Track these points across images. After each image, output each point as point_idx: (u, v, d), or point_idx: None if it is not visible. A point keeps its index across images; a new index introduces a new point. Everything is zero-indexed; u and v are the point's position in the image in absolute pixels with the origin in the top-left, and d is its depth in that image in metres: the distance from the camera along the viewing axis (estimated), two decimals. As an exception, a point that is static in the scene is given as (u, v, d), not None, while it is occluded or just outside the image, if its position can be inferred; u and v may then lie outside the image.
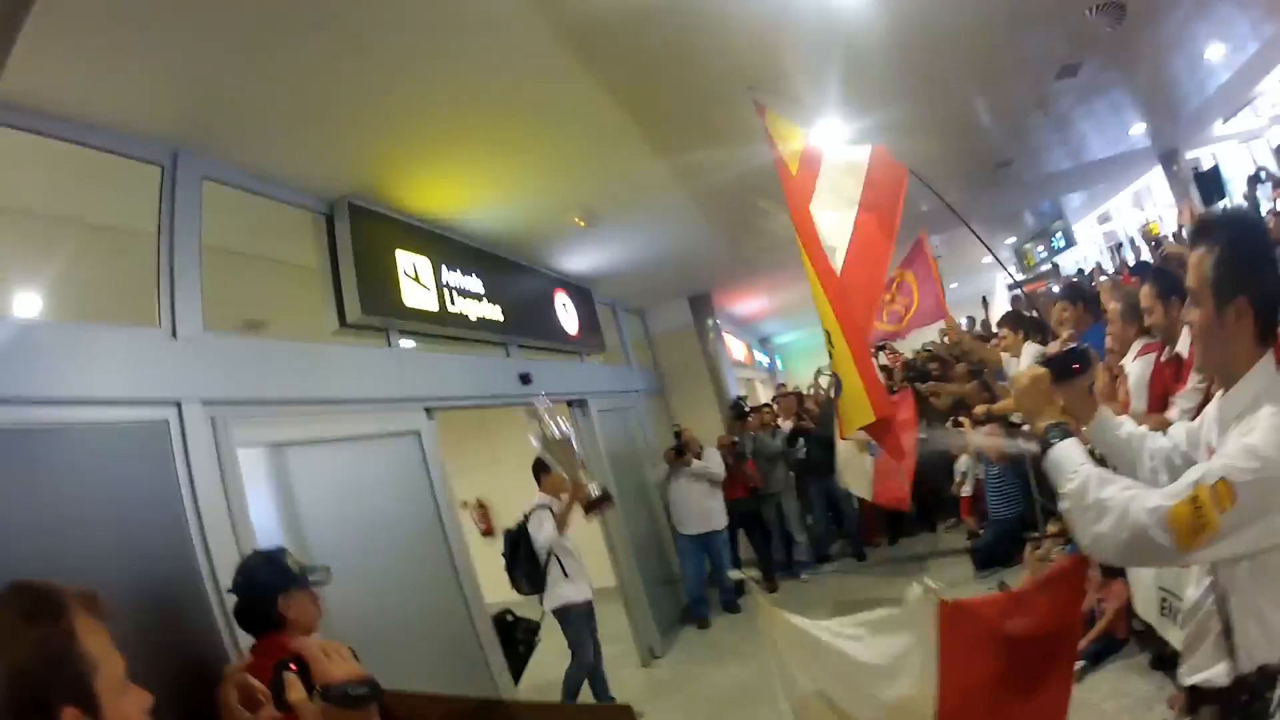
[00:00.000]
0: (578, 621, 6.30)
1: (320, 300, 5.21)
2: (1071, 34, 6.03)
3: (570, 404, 8.47)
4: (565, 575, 6.26)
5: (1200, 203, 11.63)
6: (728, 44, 4.79)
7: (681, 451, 8.91)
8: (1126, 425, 2.26)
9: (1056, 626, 2.64)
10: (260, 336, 4.68)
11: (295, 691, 1.49)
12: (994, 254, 7.58)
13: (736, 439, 9.90)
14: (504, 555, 6.38)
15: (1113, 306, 4.89)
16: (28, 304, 3.85)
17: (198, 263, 4.03)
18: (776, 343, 21.38)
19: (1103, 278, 10.31)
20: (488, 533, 11.42)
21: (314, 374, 4.66)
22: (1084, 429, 2.24)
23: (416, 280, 5.99)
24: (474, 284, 6.92)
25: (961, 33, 5.42)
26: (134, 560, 3.21)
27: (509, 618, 5.63)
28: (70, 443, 3.14)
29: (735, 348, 14.53)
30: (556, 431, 5.21)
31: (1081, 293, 6.28)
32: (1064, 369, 2.24)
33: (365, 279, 5.34)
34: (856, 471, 7.37)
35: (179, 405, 3.62)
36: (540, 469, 6.47)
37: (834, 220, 5.08)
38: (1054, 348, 6.12)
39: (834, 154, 5.26)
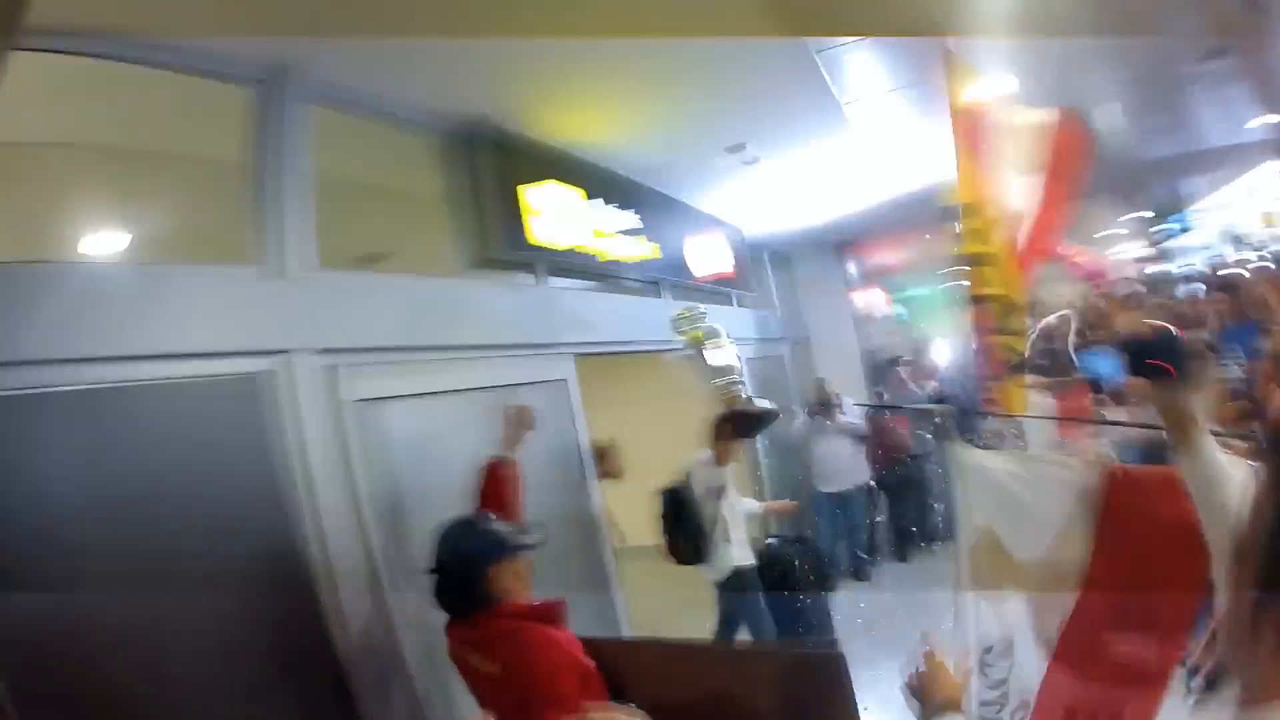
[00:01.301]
0: (752, 590, 5.27)
1: (452, 235, 4.59)
2: (1222, 16, 5.61)
3: None
4: (730, 539, 5.17)
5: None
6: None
7: (824, 405, 8.08)
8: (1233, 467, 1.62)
9: None
10: (390, 270, 4.06)
11: None
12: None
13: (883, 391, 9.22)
14: (662, 517, 5.44)
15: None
16: (110, 248, 3.34)
17: (308, 191, 3.46)
18: (909, 294, 20.30)
19: (1252, 267, 8.99)
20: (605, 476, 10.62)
21: (449, 316, 4.11)
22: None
23: (564, 214, 5.33)
24: (628, 219, 6.24)
25: None
26: (230, 532, 2.78)
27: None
28: (160, 402, 2.71)
29: (877, 298, 13.52)
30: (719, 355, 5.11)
31: (1234, 284, 5.44)
32: (1143, 363, 1.71)
33: (510, 211, 4.75)
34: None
35: (288, 354, 3.11)
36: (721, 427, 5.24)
37: (1019, 184, 4.81)
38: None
39: (1021, 115, 4.97)
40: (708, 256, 8.00)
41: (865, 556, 8.15)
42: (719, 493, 5.10)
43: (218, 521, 2.72)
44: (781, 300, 10.60)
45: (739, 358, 5.38)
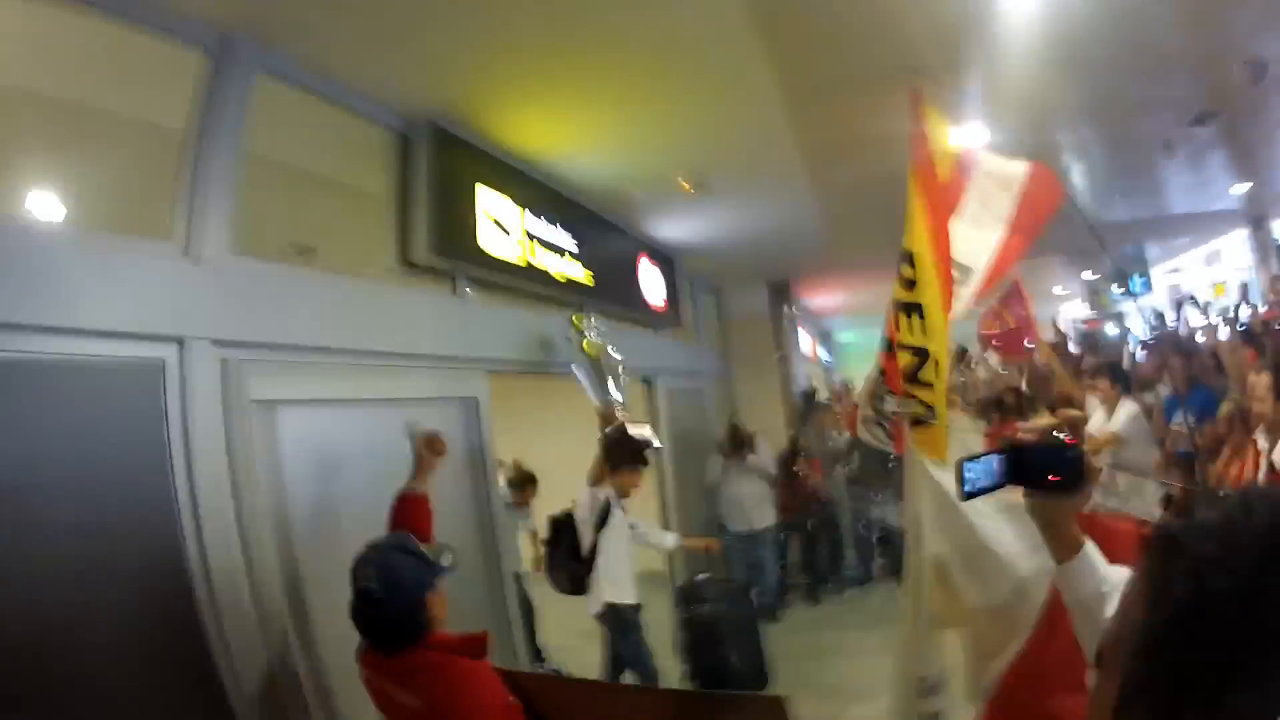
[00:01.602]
0: (630, 628, 5.10)
1: (382, 234, 4.41)
2: (1215, 82, 5.71)
3: (645, 380, 7.75)
4: (609, 573, 5.01)
5: (1280, 271, 11.50)
6: (901, 24, 4.16)
7: (737, 445, 8.19)
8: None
9: None
10: (310, 266, 3.79)
11: None
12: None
13: (799, 436, 9.29)
14: (544, 544, 5.41)
15: (1261, 380, 4.25)
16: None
17: (231, 170, 3.23)
18: (838, 340, 20.67)
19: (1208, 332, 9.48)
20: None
21: (365, 320, 3.88)
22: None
23: (498, 224, 5.18)
24: (562, 238, 6.13)
25: (1121, 52, 4.95)
26: (107, 524, 2.55)
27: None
28: (48, 379, 2.49)
29: (804, 340, 13.85)
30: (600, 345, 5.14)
31: (1190, 349, 5.85)
32: (1032, 471, 1.56)
33: (440, 214, 4.55)
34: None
35: (180, 343, 2.85)
36: (613, 453, 5.12)
37: (978, 239, 4.56)
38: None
39: (990, 164, 4.65)
40: (641, 285, 7.95)
41: (774, 596, 8.15)
42: (600, 523, 4.96)
43: (98, 515, 2.50)
44: (709, 335, 10.59)
45: (622, 381, 5.36)
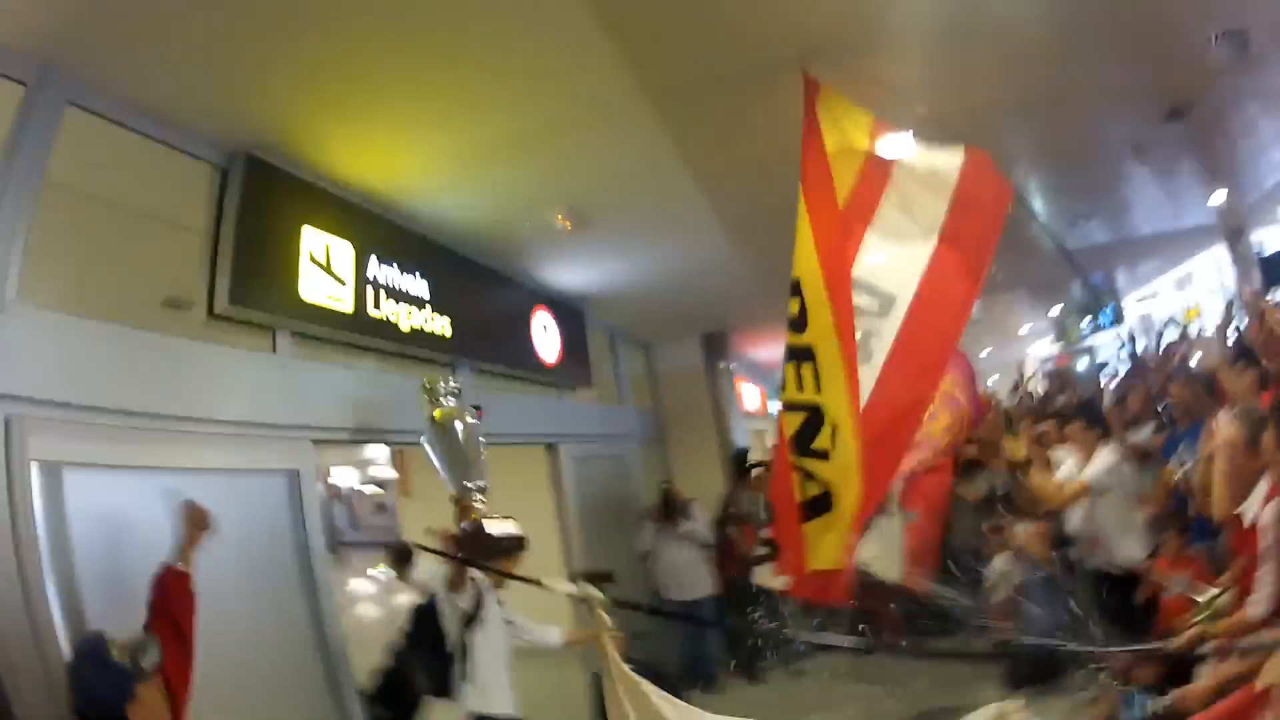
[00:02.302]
0: None
1: (195, 282, 5.22)
2: (1190, 67, 6.24)
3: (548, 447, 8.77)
4: (479, 679, 5.44)
5: (1263, 287, 12.67)
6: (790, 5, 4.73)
7: (670, 511, 9.75)
8: None
9: None
10: (133, 320, 4.63)
11: None
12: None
13: (730, 501, 10.90)
14: (403, 638, 6.03)
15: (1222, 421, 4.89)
16: None
17: (27, 207, 4.06)
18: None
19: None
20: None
21: (169, 379, 4.69)
22: None
23: (327, 269, 6.00)
24: (414, 285, 7.01)
25: (1072, 36, 5.45)
26: None
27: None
28: None
29: (750, 395, 15.87)
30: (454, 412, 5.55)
31: (1198, 377, 6.72)
32: None
33: (249, 259, 5.31)
34: (886, 541, 7.59)
35: None
36: (459, 547, 5.61)
37: (900, 256, 4.92)
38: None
39: (913, 160, 5.03)
40: (534, 339, 8.88)
41: (711, 666, 9.73)
42: (468, 621, 5.41)
43: None
44: (637, 393, 11.80)
45: (482, 460, 5.89)
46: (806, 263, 4.61)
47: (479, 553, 5.38)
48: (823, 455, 4.68)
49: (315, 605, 5.41)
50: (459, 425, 5.79)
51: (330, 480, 9.13)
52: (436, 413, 5.78)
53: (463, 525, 5.57)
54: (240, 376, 5.24)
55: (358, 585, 8.53)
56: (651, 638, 8.43)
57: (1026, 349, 22.23)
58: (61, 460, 4.01)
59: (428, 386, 5.87)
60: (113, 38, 4.17)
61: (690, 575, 9.70)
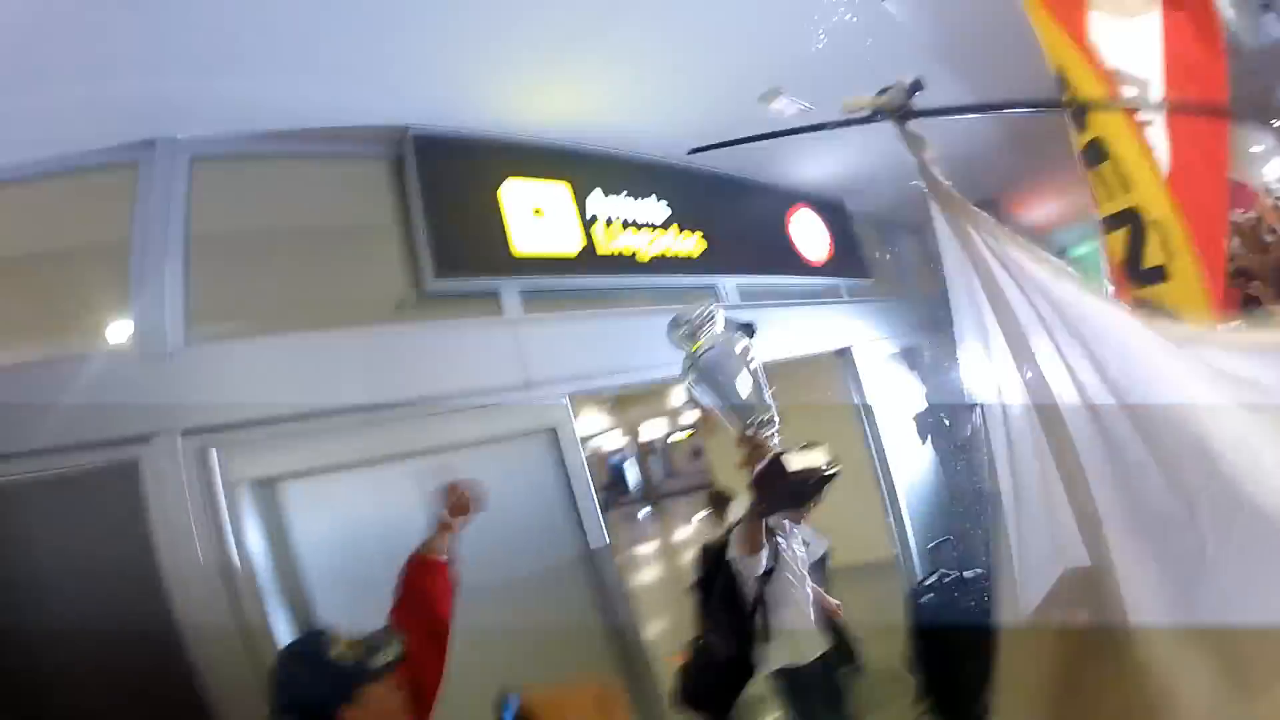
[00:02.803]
0: (805, 692, 5.00)
1: (390, 270, 5.17)
2: None
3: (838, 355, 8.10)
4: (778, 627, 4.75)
5: None
6: None
7: None
8: None
9: None
10: (335, 323, 4.65)
11: None
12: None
13: None
14: (694, 589, 5.09)
15: None
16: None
17: (179, 258, 4.21)
18: (1073, 255, 19.74)
19: None
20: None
21: (378, 369, 4.62)
22: None
23: (540, 217, 5.76)
24: (649, 210, 6.62)
25: None
26: (101, 633, 3.33)
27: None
28: (25, 502, 3.42)
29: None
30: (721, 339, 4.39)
31: None
32: None
33: (444, 231, 5.19)
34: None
35: (148, 440, 3.75)
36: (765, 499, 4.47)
37: (1129, 31, 4.29)
38: None
39: None
40: (795, 241, 8.21)
41: None
42: (763, 576, 4.58)
43: (92, 623, 3.31)
44: (921, 282, 10.61)
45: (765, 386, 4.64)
46: (1057, 47, 4.27)
47: (780, 498, 4.21)
48: (1158, 276, 4.16)
49: (594, 571, 5.20)
50: (726, 353, 4.44)
51: (639, 436, 8.80)
52: (694, 346, 4.46)
53: (757, 470, 4.17)
54: (468, 347, 5.11)
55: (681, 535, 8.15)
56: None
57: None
58: (277, 475, 4.09)
59: (678, 321, 4.54)
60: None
61: None
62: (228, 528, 3.78)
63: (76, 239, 4.23)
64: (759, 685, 4.95)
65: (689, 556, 7.49)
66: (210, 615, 3.61)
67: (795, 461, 3.90)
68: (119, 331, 4.06)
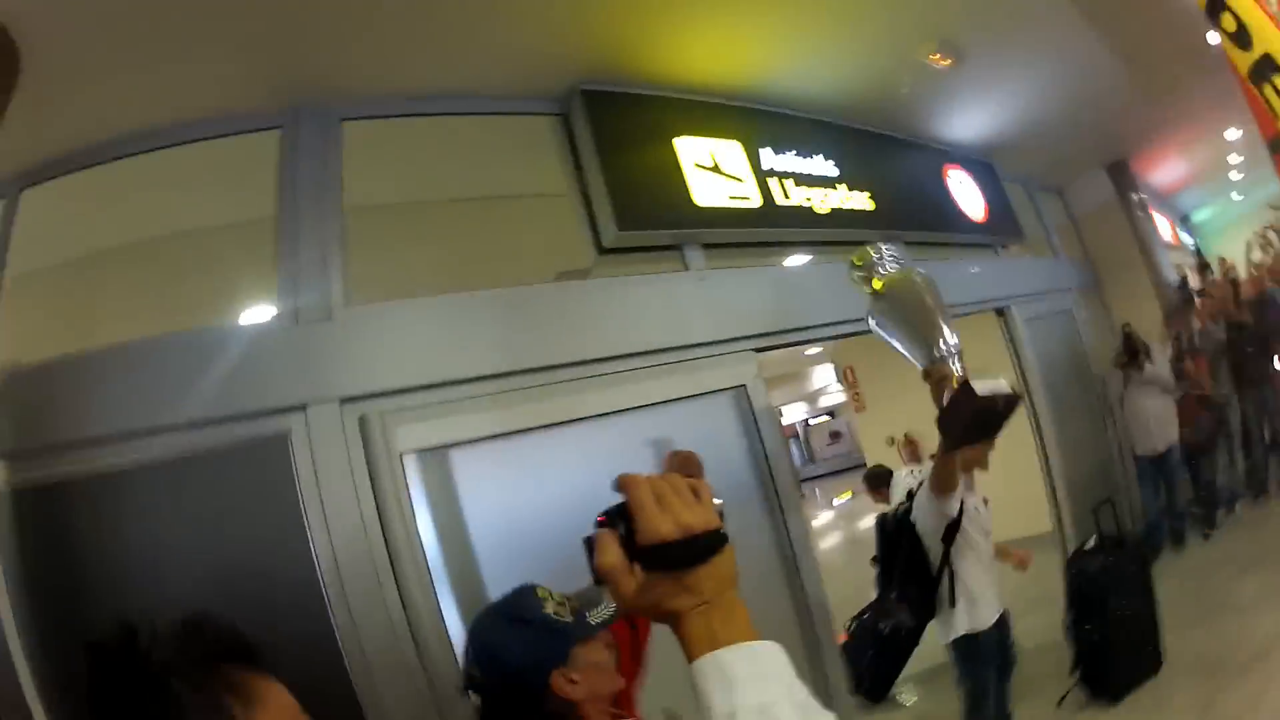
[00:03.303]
0: (982, 659, 4.13)
1: (568, 230, 4.24)
2: None
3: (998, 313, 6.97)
4: (964, 593, 4.02)
5: None
6: None
7: (1134, 354, 7.75)
8: None
9: None
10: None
11: (608, 554, 1.08)
12: None
13: (1179, 333, 8.90)
14: (875, 562, 4.43)
15: None
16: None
17: (335, 222, 3.37)
18: (1195, 220, 18.26)
19: None
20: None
21: (554, 329, 3.67)
22: None
23: (718, 171, 4.76)
24: (820, 166, 5.56)
25: None
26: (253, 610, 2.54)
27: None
28: (177, 478, 2.70)
29: (1162, 226, 12.70)
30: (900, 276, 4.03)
31: None
32: None
33: (622, 187, 4.22)
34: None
35: (303, 409, 2.88)
36: (951, 425, 3.81)
37: None
38: None
39: None
40: (955, 198, 7.20)
41: (1183, 520, 7.97)
42: (949, 532, 3.93)
43: (242, 601, 2.57)
44: (1063, 241, 9.71)
45: (945, 315, 4.07)
46: None
47: (971, 426, 3.66)
48: None
49: (784, 534, 4.18)
50: (906, 289, 4.12)
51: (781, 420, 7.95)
52: (877, 283, 4.18)
53: (950, 396, 3.71)
54: (653, 303, 4.11)
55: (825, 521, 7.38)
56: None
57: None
58: (441, 443, 3.14)
59: (858, 262, 4.30)
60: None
61: (1159, 422, 7.68)
62: (392, 503, 2.86)
63: (226, 206, 3.52)
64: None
65: (833, 541, 6.89)
66: (373, 603, 2.77)
67: (983, 387, 3.60)
68: (272, 299, 3.19)
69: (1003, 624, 4.13)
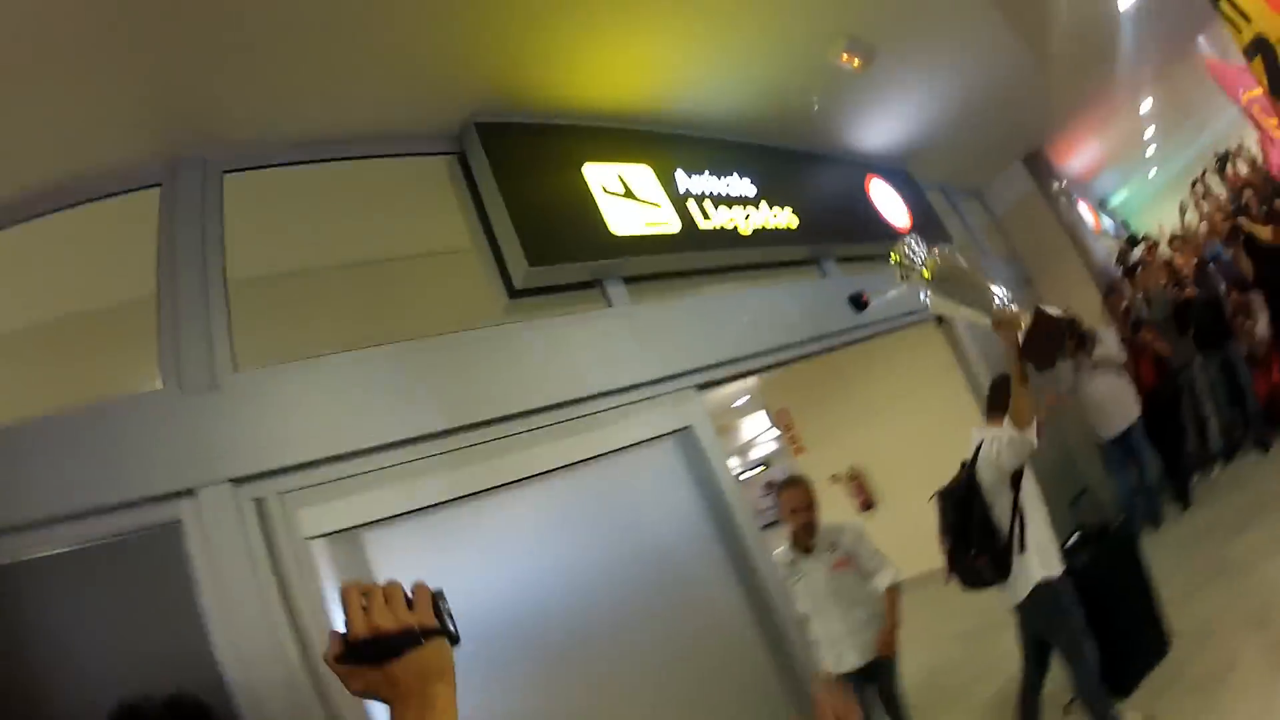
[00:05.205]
0: (1063, 609, 4.49)
1: (474, 274, 4.02)
2: None
3: (938, 321, 7.08)
4: (1030, 543, 4.38)
5: None
6: None
7: (1081, 342, 7.94)
8: None
9: None
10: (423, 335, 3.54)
11: (330, 650, 1.23)
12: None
13: (1126, 302, 9.43)
14: (945, 533, 4.63)
15: None
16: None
17: (218, 282, 3.18)
18: (1113, 203, 19.92)
19: None
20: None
21: (481, 381, 3.46)
22: None
23: (631, 197, 4.65)
24: (737, 185, 5.52)
25: None
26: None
27: None
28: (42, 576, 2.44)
29: (1084, 212, 13.30)
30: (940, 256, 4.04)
31: None
32: None
33: (530, 222, 4.05)
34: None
35: (195, 494, 2.62)
36: (998, 396, 4.70)
37: None
38: None
39: None
40: (879, 208, 7.25)
41: (1157, 497, 8.17)
42: (1017, 477, 4.34)
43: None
44: (990, 242, 10.24)
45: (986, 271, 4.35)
46: None
47: (1047, 346, 3.97)
48: None
49: (750, 574, 4.00)
50: (951, 264, 4.20)
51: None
52: (925, 272, 4.23)
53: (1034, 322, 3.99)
54: (577, 344, 3.92)
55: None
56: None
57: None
58: (358, 523, 2.89)
59: (899, 260, 4.28)
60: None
61: (1117, 402, 7.89)
62: (302, 600, 2.59)
63: (101, 270, 3.23)
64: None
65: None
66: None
67: (1051, 311, 3.92)
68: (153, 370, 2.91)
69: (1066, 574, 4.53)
